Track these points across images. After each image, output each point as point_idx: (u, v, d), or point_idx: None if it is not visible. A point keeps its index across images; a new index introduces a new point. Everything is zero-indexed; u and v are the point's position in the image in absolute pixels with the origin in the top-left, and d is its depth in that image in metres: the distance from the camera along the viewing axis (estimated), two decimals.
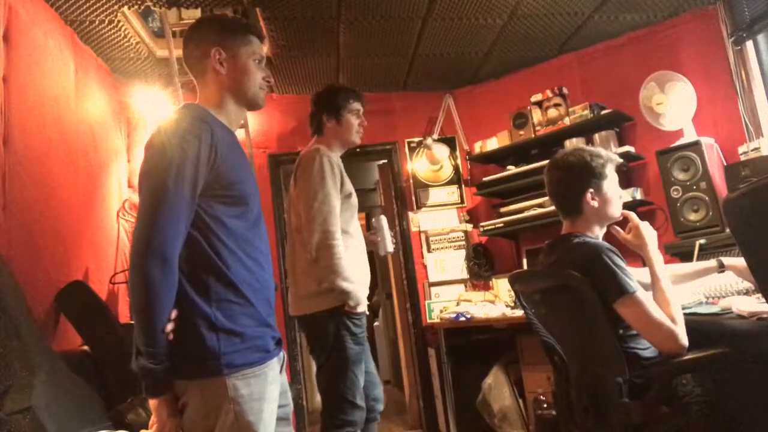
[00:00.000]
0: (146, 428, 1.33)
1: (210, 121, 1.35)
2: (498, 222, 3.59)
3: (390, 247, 2.43)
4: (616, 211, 1.80)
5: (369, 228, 2.57)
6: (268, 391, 1.31)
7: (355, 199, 2.28)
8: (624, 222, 1.81)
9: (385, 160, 4.13)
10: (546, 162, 1.96)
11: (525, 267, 3.63)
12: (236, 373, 1.25)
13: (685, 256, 2.73)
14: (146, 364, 1.21)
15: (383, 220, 2.45)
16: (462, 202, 4.01)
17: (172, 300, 1.24)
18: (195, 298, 1.27)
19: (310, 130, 2.41)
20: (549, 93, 3.52)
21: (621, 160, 1.89)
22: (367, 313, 2.22)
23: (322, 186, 2.12)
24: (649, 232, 1.75)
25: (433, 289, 3.89)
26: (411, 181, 4.00)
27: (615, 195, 1.80)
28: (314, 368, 2.31)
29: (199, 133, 1.30)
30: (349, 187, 2.25)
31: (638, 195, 3.19)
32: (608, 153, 1.82)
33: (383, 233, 2.41)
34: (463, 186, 4.02)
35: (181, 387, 1.28)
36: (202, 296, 1.28)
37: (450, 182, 4.02)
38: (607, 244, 1.69)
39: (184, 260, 1.27)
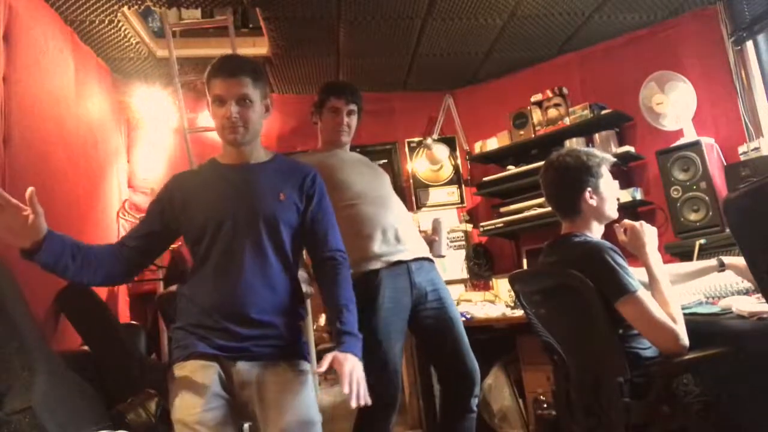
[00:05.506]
0: (146, 428, 1.37)
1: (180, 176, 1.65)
2: (498, 222, 3.59)
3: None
4: (613, 209, 1.82)
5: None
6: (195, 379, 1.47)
7: None
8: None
9: (385, 160, 4.12)
10: None
11: (525, 267, 3.63)
12: (175, 363, 1.50)
13: (685, 256, 2.73)
14: None
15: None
16: (462, 202, 4.00)
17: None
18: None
19: None
20: (549, 93, 3.51)
21: (614, 160, 1.91)
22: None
23: None
24: (647, 232, 1.73)
25: None
26: (411, 181, 3.99)
27: (611, 194, 1.82)
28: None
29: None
30: None
31: (638, 195, 3.19)
32: (602, 153, 1.85)
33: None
34: (463, 186, 4.01)
35: None
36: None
37: (450, 182, 4.01)
38: (608, 243, 1.69)
39: None
